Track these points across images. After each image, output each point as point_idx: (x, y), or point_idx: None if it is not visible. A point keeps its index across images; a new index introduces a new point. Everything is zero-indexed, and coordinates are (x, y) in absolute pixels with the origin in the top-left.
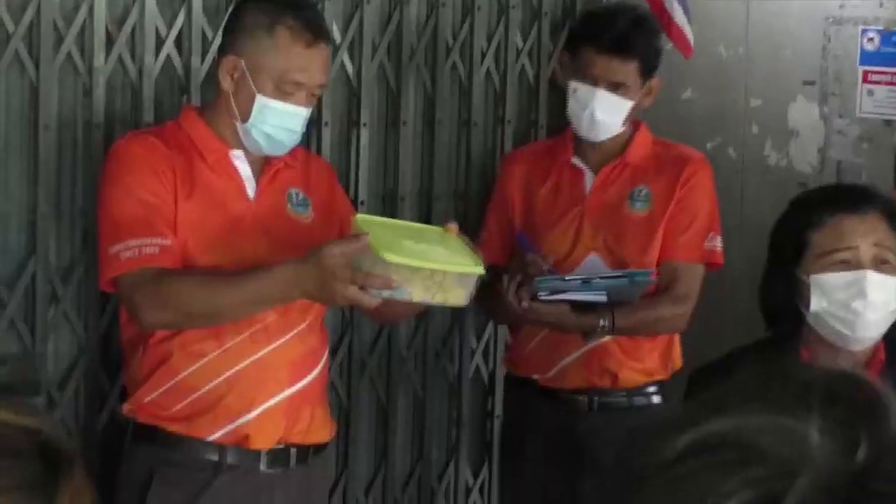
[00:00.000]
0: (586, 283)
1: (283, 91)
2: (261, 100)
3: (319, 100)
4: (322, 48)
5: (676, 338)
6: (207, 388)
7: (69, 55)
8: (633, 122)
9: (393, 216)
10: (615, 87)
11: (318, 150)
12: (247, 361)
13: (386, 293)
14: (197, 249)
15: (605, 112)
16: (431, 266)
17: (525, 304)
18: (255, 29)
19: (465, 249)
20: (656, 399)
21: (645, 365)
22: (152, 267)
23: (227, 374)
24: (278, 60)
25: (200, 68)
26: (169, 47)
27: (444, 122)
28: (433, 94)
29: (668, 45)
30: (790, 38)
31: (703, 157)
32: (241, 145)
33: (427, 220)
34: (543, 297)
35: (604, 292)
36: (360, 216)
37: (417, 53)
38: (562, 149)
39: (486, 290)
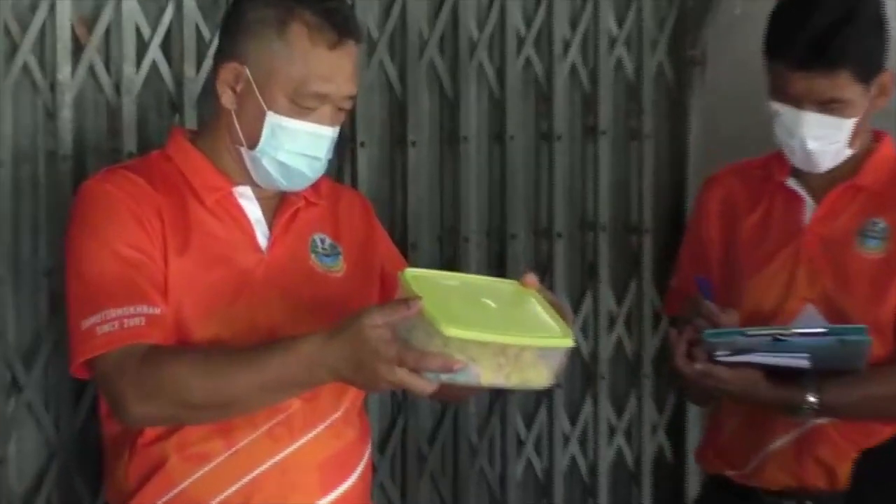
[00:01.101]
0: (779, 342)
1: (300, 106)
2: (272, 118)
3: (351, 114)
4: (349, 49)
5: None
6: (216, 501)
7: (25, 67)
8: (876, 133)
9: (454, 262)
10: (826, 105)
11: (353, 180)
12: (265, 466)
13: (445, 377)
14: (194, 318)
15: (819, 140)
16: (504, 340)
17: (698, 365)
18: (262, 28)
19: (549, 311)
20: None
21: None
22: (137, 344)
23: (241, 482)
24: (293, 67)
25: (196, 79)
26: (154, 52)
27: (517, 136)
28: (502, 100)
29: None
30: None
31: None
32: (248, 179)
33: (500, 264)
34: (723, 358)
35: (805, 355)
36: (408, 272)
37: (479, 47)
38: (776, 167)
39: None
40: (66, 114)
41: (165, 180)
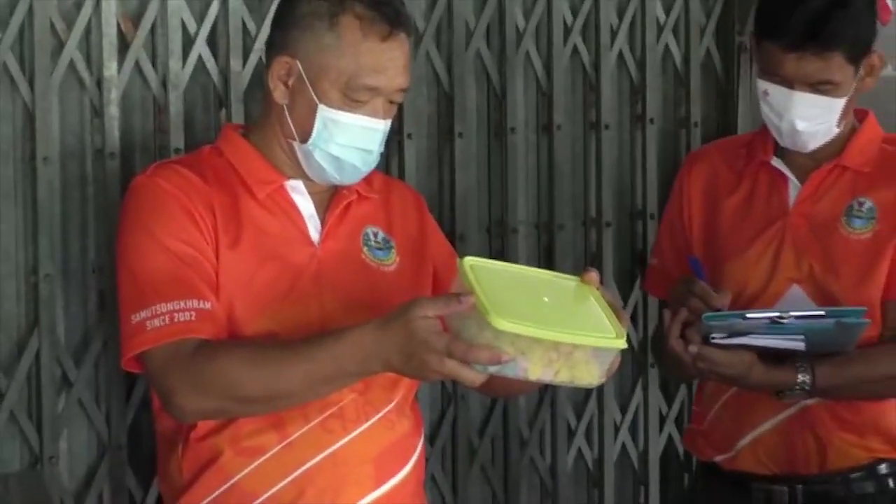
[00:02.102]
0: (776, 324)
1: (352, 99)
2: (324, 112)
3: (399, 106)
4: (401, 41)
5: None
6: (270, 493)
7: (71, 64)
8: (858, 111)
9: (502, 254)
10: (817, 86)
11: (400, 172)
12: (319, 458)
13: (493, 368)
14: (247, 313)
15: (808, 120)
16: (554, 337)
17: (693, 348)
18: (313, 20)
19: (606, 311)
20: (892, 483)
21: (865, 439)
22: (189, 339)
23: (295, 474)
24: (344, 60)
25: (242, 73)
26: (200, 47)
27: (564, 126)
28: (549, 90)
29: None
30: None
31: None
32: (300, 174)
33: (549, 255)
34: (718, 341)
35: (801, 337)
36: (467, 260)
37: (526, 37)
38: (760, 146)
39: (658, 338)
40: (112, 111)
41: (217, 175)
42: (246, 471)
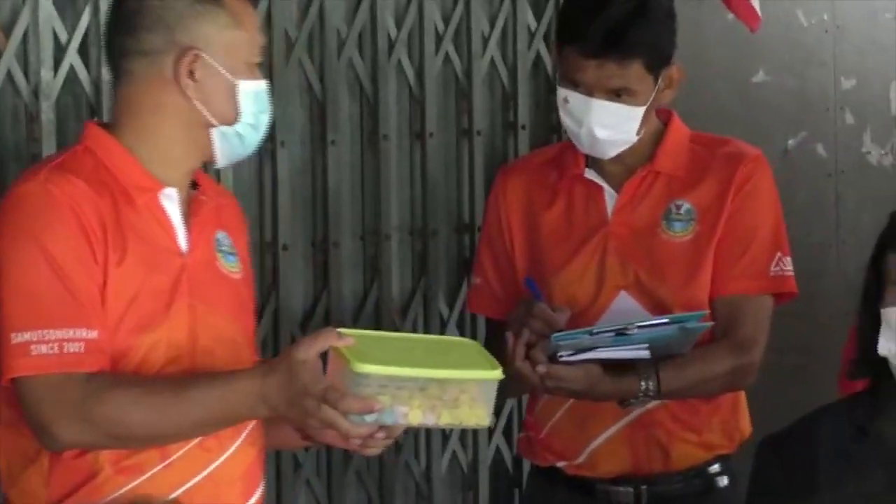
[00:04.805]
0: (621, 336)
1: (253, 66)
2: (244, 86)
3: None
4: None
5: (742, 397)
6: None
7: None
8: (662, 112)
9: (376, 261)
10: (616, 93)
11: (273, 181)
12: (199, 477)
13: (370, 418)
14: (133, 327)
15: (607, 128)
16: (419, 374)
17: (542, 368)
18: (203, 7)
19: (482, 353)
20: (722, 481)
21: (703, 437)
22: (76, 373)
23: (174, 494)
24: (242, 32)
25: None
26: (72, 57)
27: (437, 133)
28: (421, 97)
29: (728, 15)
30: None
31: (758, 155)
32: (176, 180)
33: (423, 261)
34: (566, 358)
35: (646, 345)
36: (341, 331)
37: (398, 45)
38: (571, 158)
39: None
40: None
41: (98, 180)
42: (124, 489)
